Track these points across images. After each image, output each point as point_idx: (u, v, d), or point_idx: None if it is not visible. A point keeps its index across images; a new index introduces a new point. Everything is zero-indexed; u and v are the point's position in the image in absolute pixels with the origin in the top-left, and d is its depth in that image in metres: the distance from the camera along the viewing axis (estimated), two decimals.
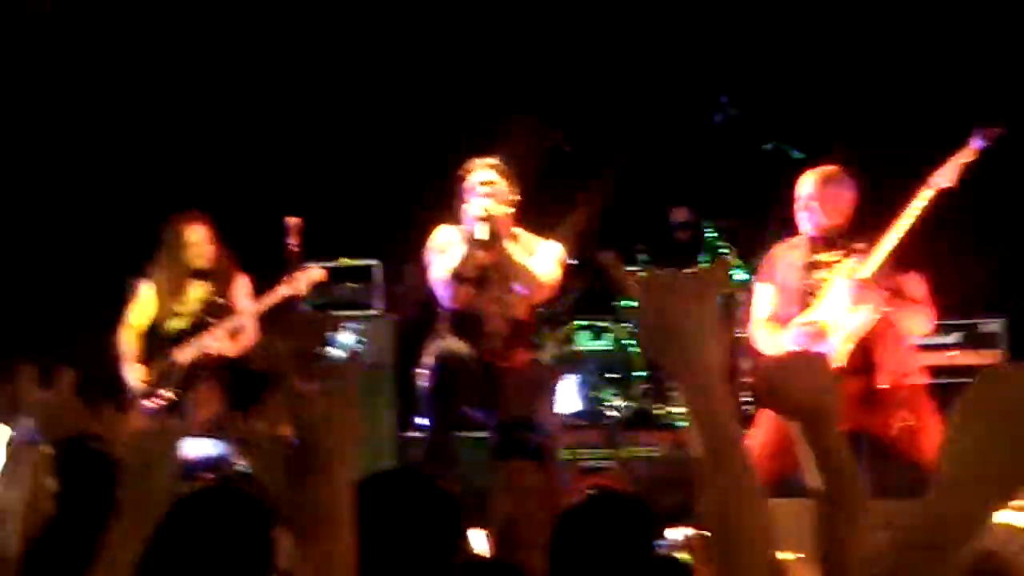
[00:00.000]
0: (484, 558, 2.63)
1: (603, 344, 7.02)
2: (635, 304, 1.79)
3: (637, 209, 7.41)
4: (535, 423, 2.82)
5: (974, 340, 6.22)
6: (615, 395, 6.84)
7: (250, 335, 6.32)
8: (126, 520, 2.03)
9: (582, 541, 2.66)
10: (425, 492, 2.42)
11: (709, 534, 1.99)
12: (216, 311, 6.25)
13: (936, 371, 5.88)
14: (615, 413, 6.75)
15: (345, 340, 6.64)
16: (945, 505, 1.48)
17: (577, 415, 6.81)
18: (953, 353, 6.19)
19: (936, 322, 6.04)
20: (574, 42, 7.98)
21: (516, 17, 8.01)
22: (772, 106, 6.81)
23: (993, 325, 6.25)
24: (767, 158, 6.37)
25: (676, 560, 2.78)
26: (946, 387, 5.56)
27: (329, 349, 6.50)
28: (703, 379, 1.81)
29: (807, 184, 5.08)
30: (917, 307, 4.88)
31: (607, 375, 6.92)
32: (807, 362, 2.15)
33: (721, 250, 6.80)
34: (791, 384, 2.07)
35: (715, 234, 6.86)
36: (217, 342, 6.20)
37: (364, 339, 6.71)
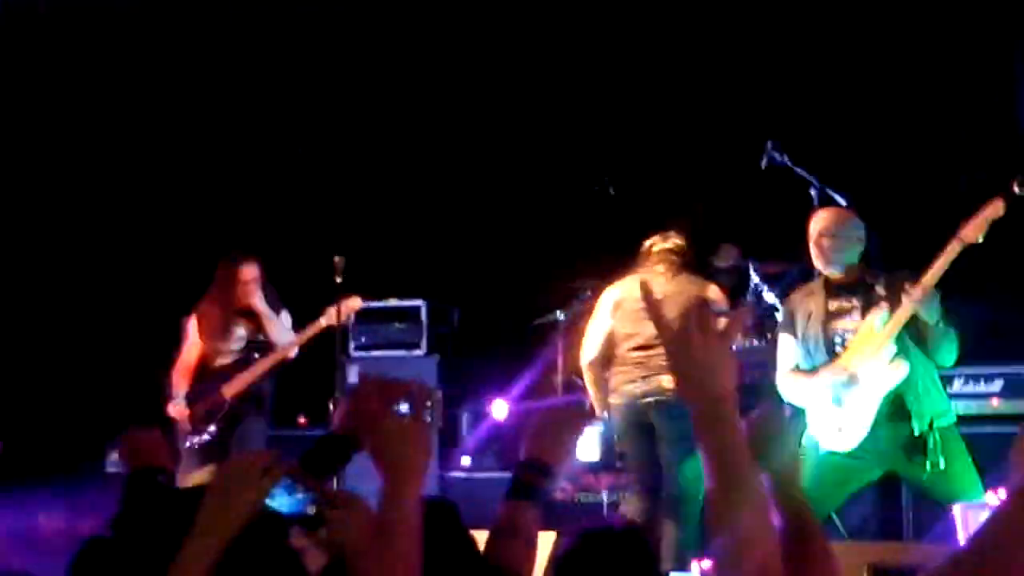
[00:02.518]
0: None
1: None
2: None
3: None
4: (550, 467, 2.82)
5: (1016, 388, 6.16)
6: None
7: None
8: (201, 539, 2.10)
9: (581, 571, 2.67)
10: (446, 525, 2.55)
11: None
12: (260, 348, 6.38)
13: (978, 419, 5.84)
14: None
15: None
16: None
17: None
18: (995, 401, 6.14)
19: (981, 371, 6.05)
20: (621, 84, 8.04)
21: (563, 62, 8.09)
22: (818, 151, 6.81)
23: None
24: (812, 202, 6.38)
25: None
26: (989, 436, 5.51)
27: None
28: (716, 407, 1.87)
29: (819, 222, 5.02)
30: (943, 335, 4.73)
31: None
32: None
33: (765, 293, 6.79)
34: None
35: (758, 278, 6.86)
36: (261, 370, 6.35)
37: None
